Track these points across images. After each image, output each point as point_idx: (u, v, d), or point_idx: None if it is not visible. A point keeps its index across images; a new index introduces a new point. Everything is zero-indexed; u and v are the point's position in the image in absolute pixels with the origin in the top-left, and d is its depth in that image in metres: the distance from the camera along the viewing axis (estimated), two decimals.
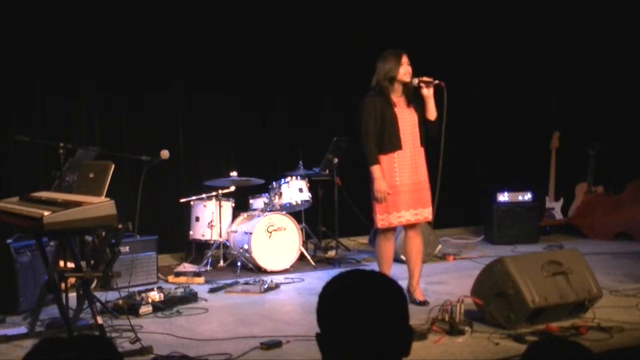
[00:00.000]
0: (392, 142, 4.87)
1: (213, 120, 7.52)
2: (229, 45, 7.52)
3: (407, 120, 4.92)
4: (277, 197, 6.70)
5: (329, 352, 1.71)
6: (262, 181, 6.89)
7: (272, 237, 6.46)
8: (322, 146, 7.04)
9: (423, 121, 4.97)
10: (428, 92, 4.90)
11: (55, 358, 1.52)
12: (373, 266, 6.12)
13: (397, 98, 4.94)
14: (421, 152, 4.98)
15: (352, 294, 1.71)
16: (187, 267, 6.54)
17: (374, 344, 1.66)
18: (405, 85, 4.92)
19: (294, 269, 6.48)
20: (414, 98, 4.95)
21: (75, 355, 1.52)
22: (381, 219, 4.93)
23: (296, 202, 6.77)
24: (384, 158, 4.88)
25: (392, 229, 5.01)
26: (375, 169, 4.86)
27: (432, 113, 4.94)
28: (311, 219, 7.31)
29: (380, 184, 4.85)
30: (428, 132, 4.99)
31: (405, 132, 4.90)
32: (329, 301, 1.74)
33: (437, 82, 4.88)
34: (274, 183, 6.80)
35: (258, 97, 7.76)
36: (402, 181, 4.89)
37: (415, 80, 4.89)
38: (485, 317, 4.35)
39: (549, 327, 4.18)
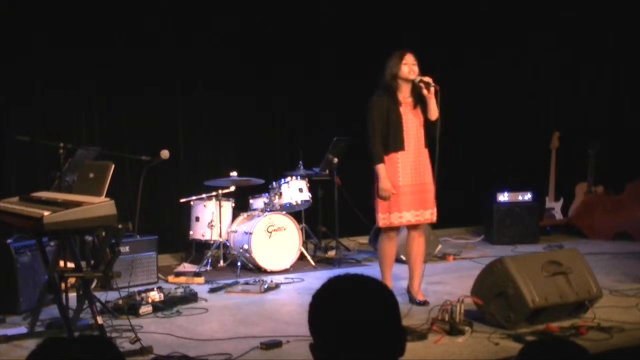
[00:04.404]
0: (395, 143, 4.87)
1: (213, 120, 7.52)
2: (230, 45, 7.52)
3: (411, 121, 4.91)
4: (277, 197, 6.70)
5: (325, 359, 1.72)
6: (262, 181, 6.90)
7: (272, 237, 6.46)
8: (322, 146, 7.04)
9: (426, 122, 4.96)
10: (428, 93, 4.89)
11: (60, 357, 1.52)
12: (373, 266, 6.13)
13: (405, 98, 4.93)
14: (425, 153, 4.97)
15: (341, 301, 1.72)
16: (187, 267, 6.54)
17: (369, 348, 1.67)
18: (414, 86, 4.91)
19: (294, 269, 6.48)
20: (421, 99, 4.94)
21: (79, 355, 1.52)
22: (382, 218, 4.93)
23: (296, 202, 6.77)
24: (387, 158, 4.88)
25: (395, 229, 5.01)
26: (380, 168, 4.87)
27: (432, 113, 4.92)
28: (311, 219, 7.31)
29: (384, 183, 4.85)
30: (429, 133, 4.98)
31: (409, 133, 4.90)
32: (320, 310, 1.75)
33: (432, 86, 4.85)
34: (274, 183, 6.79)
35: (258, 97, 7.75)
36: (405, 182, 4.89)
37: (417, 79, 4.88)
38: (485, 317, 4.35)
39: (549, 327, 4.18)
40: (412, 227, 5.03)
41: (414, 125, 4.92)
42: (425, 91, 4.88)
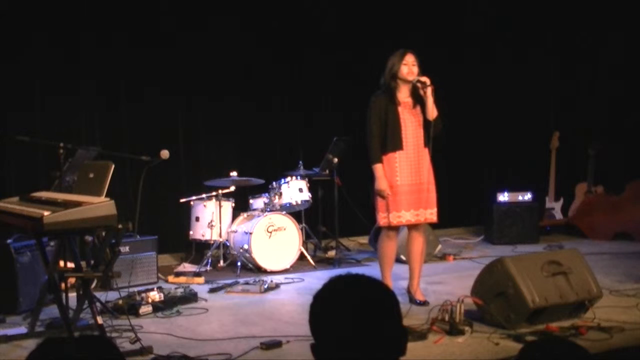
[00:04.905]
0: (393, 142, 4.87)
1: (213, 120, 7.52)
2: (229, 46, 7.52)
3: (410, 121, 4.91)
4: (277, 197, 6.70)
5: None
6: (262, 181, 6.89)
7: (272, 237, 6.46)
8: (322, 146, 7.04)
9: (426, 122, 4.96)
10: (425, 93, 4.89)
11: (60, 357, 1.52)
12: (373, 266, 6.13)
13: (404, 98, 4.93)
14: (425, 153, 4.95)
15: (342, 301, 1.73)
16: (187, 267, 6.54)
17: (370, 348, 1.67)
18: (413, 86, 4.91)
19: (294, 269, 6.48)
20: (421, 99, 4.93)
21: (79, 355, 1.52)
22: (382, 217, 4.94)
23: (296, 202, 6.77)
24: (385, 158, 4.88)
25: (394, 229, 5.01)
26: (377, 168, 4.87)
27: (430, 113, 4.91)
28: (311, 219, 7.31)
29: (381, 183, 4.86)
30: (429, 133, 4.97)
31: (407, 133, 4.89)
32: (321, 311, 1.75)
33: (428, 85, 4.84)
34: (274, 183, 6.79)
35: (258, 97, 7.76)
36: (403, 181, 4.88)
37: (415, 79, 4.88)
38: (485, 317, 4.36)
39: (549, 327, 4.18)
40: (412, 227, 5.03)
41: (412, 125, 4.92)
42: (422, 91, 4.88)
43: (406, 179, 4.89)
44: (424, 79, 4.86)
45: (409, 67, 4.87)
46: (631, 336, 4.06)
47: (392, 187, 4.87)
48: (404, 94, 4.94)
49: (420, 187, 4.93)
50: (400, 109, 4.90)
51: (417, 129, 4.93)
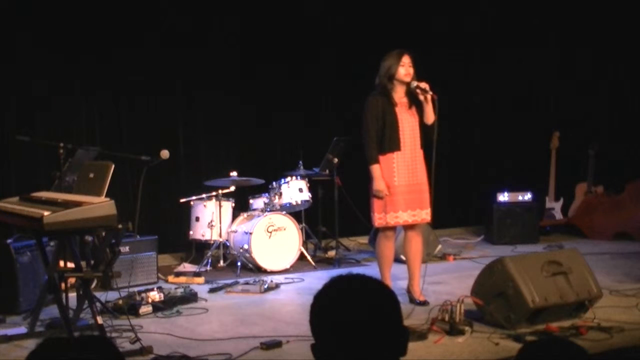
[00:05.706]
0: (391, 143, 4.87)
1: (213, 120, 7.52)
2: (229, 45, 7.52)
3: (407, 122, 4.91)
4: (277, 197, 6.70)
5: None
6: (262, 181, 6.89)
7: (272, 237, 6.45)
8: (322, 146, 7.04)
9: (422, 124, 4.96)
10: (425, 100, 4.89)
11: (60, 357, 1.52)
12: (373, 266, 6.13)
13: (400, 99, 4.93)
14: (420, 154, 4.96)
15: (343, 301, 1.72)
16: (187, 267, 6.54)
17: (370, 348, 1.67)
18: (409, 87, 4.91)
19: (294, 269, 6.48)
20: (416, 100, 4.94)
21: (79, 355, 1.52)
22: (378, 218, 4.94)
23: (296, 202, 6.77)
24: (382, 158, 4.89)
25: (392, 229, 5.01)
26: (375, 168, 4.87)
27: (428, 117, 4.92)
28: (311, 219, 7.31)
29: (379, 184, 4.86)
30: (427, 136, 4.97)
31: (404, 134, 4.90)
32: (322, 310, 1.75)
33: (429, 93, 4.85)
34: (274, 183, 6.79)
35: (258, 97, 7.75)
36: (400, 182, 4.89)
37: (414, 84, 4.87)
38: (485, 317, 4.36)
39: (549, 327, 4.18)
40: (409, 227, 5.03)
41: (409, 126, 4.92)
42: (421, 97, 4.87)
43: (404, 180, 4.90)
44: (424, 85, 4.86)
45: (405, 68, 4.87)
46: (631, 336, 4.06)
47: (390, 188, 4.88)
48: (400, 94, 4.94)
49: (417, 188, 4.94)
50: (397, 109, 4.91)
51: (413, 129, 4.93)
